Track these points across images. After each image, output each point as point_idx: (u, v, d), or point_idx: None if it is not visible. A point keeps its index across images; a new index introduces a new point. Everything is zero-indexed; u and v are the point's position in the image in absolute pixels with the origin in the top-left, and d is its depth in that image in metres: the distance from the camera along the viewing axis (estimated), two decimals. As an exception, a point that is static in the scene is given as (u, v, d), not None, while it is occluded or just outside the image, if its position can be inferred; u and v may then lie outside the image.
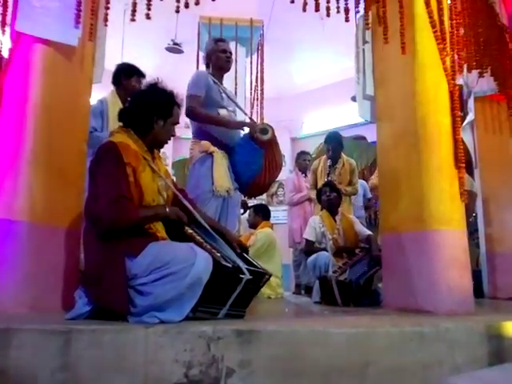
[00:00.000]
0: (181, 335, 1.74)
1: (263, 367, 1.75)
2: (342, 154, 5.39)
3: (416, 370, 1.86)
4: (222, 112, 3.23)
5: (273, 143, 3.15)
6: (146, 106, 2.28)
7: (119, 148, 2.12)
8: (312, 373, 1.78)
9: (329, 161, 5.27)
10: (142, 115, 2.27)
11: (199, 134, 3.20)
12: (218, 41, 3.47)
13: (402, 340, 1.90)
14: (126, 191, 2.07)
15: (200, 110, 3.13)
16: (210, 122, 3.16)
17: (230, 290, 2.14)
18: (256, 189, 3.33)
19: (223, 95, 3.32)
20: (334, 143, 5.31)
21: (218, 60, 3.37)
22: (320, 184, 5.24)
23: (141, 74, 3.64)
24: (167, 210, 2.18)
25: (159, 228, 2.21)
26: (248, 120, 3.52)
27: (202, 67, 5.98)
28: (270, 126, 3.13)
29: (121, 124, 2.34)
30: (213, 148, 3.12)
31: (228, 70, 3.48)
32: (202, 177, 3.09)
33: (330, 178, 5.11)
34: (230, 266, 2.11)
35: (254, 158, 3.11)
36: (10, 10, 2.61)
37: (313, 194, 5.36)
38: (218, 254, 2.12)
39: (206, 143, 3.13)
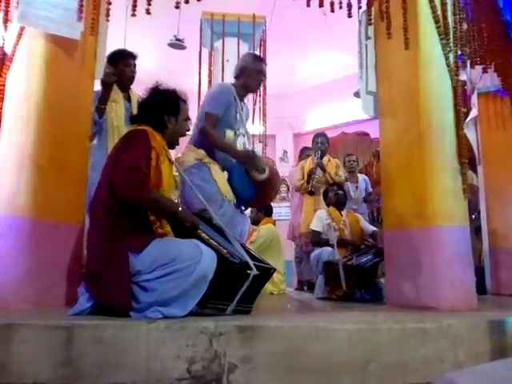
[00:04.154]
0: (183, 331, 1.74)
1: (265, 363, 1.75)
2: (328, 154, 5.54)
3: (418, 366, 1.86)
4: (229, 134, 3.12)
5: (268, 183, 3.04)
6: (154, 108, 2.33)
7: (148, 133, 2.20)
8: (314, 369, 1.78)
9: (318, 152, 5.36)
10: (154, 117, 2.32)
11: (197, 143, 3.07)
12: (257, 59, 3.30)
13: (404, 336, 1.89)
14: (144, 168, 2.10)
15: (213, 133, 3.00)
16: (218, 149, 3.04)
17: (238, 286, 2.15)
18: (252, 207, 3.28)
19: (237, 117, 3.20)
20: (322, 137, 5.49)
21: (250, 79, 3.20)
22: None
23: (126, 57, 3.39)
24: (180, 209, 2.19)
25: (163, 223, 2.19)
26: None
27: (204, 63, 5.94)
28: (269, 166, 3.03)
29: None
30: (208, 159, 3.01)
31: (256, 92, 3.37)
32: (205, 181, 2.95)
33: (318, 161, 5.21)
34: (237, 262, 2.12)
35: (247, 188, 3.02)
36: (12, 5, 2.61)
37: (299, 183, 5.42)
38: (225, 251, 2.13)
39: (202, 152, 3.01)
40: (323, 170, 5.18)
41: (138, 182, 2.07)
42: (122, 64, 3.36)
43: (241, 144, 3.23)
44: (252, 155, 3.01)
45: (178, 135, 2.43)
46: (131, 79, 3.43)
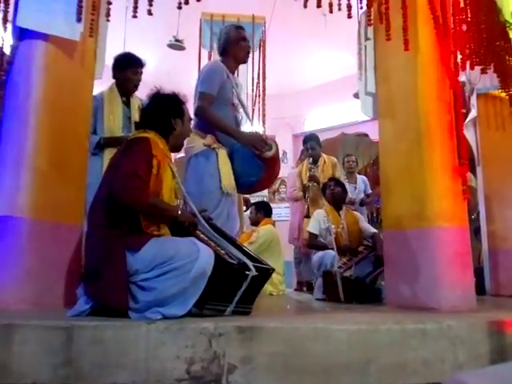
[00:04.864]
0: (182, 331, 1.74)
1: (265, 364, 1.75)
2: (323, 153, 5.50)
3: (418, 367, 1.86)
4: (231, 112, 3.11)
5: (275, 159, 3.05)
6: (160, 112, 2.36)
7: (150, 141, 2.21)
8: (313, 369, 1.78)
9: (310, 159, 5.34)
10: (161, 121, 2.35)
11: (203, 128, 3.03)
12: (238, 27, 3.23)
13: (403, 337, 1.89)
14: (143, 175, 2.10)
15: (211, 112, 2.97)
16: (218, 128, 3.00)
17: (236, 287, 2.15)
18: (250, 193, 3.28)
19: (234, 91, 3.17)
20: (311, 142, 5.42)
21: (239, 50, 3.17)
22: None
23: (136, 65, 3.38)
24: (179, 212, 2.20)
25: (161, 226, 2.19)
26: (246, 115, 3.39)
27: (203, 64, 5.93)
28: (275, 142, 3.01)
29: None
30: (217, 144, 2.99)
31: (246, 62, 3.31)
32: (207, 174, 2.94)
33: (311, 173, 5.17)
34: (235, 263, 2.12)
35: (254, 170, 3.01)
36: (11, 6, 2.61)
37: (299, 195, 5.40)
38: (223, 252, 2.14)
39: (211, 138, 2.98)
40: (317, 182, 5.09)
41: (136, 188, 2.08)
42: (130, 71, 3.36)
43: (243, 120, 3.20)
44: (257, 134, 3.00)
45: (184, 137, 2.49)
46: (136, 87, 3.42)
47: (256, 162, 2.97)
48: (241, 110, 3.32)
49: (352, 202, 5.30)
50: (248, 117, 3.52)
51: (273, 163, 3.05)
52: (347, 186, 5.29)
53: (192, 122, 3.00)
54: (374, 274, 3.59)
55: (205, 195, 2.88)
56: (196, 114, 3.01)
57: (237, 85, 3.24)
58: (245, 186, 3.10)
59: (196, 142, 2.99)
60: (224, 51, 3.21)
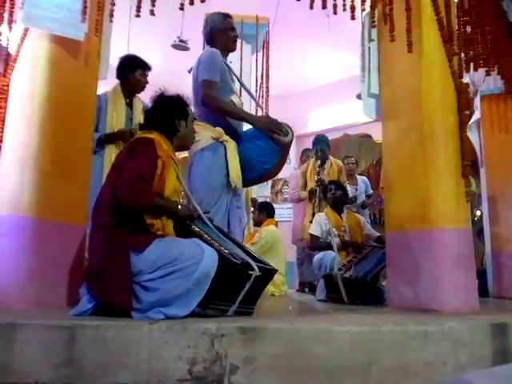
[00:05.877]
0: (185, 332, 1.74)
1: (267, 364, 1.75)
2: (330, 156, 5.54)
3: (419, 368, 1.86)
4: (235, 99, 3.01)
5: (290, 144, 3.00)
6: (164, 113, 2.38)
7: (155, 143, 2.21)
8: (315, 371, 1.78)
9: (318, 161, 5.38)
10: (165, 122, 2.36)
11: (209, 119, 2.91)
12: (225, 16, 3.16)
13: (405, 339, 1.89)
14: (148, 177, 2.12)
15: (220, 99, 2.87)
16: (231, 115, 2.92)
17: (239, 287, 2.15)
18: (255, 184, 3.27)
19: (233, 77, 3.11)
20: (322, 145, 5.47)
21: (227, 40, 3.08)
22: (310, 185, 5.37)
23: (145, 67, 3.44)
24: (179, 207, 2.23)
25: (165, 223, 2.20)
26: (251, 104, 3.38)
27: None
28: (289, 127, 2.96)
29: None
30: (226, 137, 2.88)
31: (234, 50, 3.23)
32: (214, 168, 2.84)
33: (319, 177, 5.22)
34: (238, 262, 2.12)
35: (270, 157, 2.94)
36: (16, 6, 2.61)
37: (303, 195, 5.40)
38: (226, 251, 2.14)
39: (220, 130, 2.87)
40: (324, 186, 5.07)
41: (142, 191, 2.10)
42: (139, 73, 3.42)
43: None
44: (273, 119, 2.93)
45: (188, 137, 2.49)
46: (143, 89, 3.48)
47: (273, 148, 2.91)
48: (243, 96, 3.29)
49: (352, 201, 5.29)
50: (254, 100, 3.48)
51: (288, 149, 3.02)
52: (348, 187, 5.30)
53: (196, 111, 2.94)
54: (375, 272, 3.58)
55: (209, 190, 2.82)
56: (204, 104, 2.87)
57: (234, 74, 3.18)
58: (256, 174, 3.03)
59: (202, 136, 2.86)
60: (211, 40, 3.13)
